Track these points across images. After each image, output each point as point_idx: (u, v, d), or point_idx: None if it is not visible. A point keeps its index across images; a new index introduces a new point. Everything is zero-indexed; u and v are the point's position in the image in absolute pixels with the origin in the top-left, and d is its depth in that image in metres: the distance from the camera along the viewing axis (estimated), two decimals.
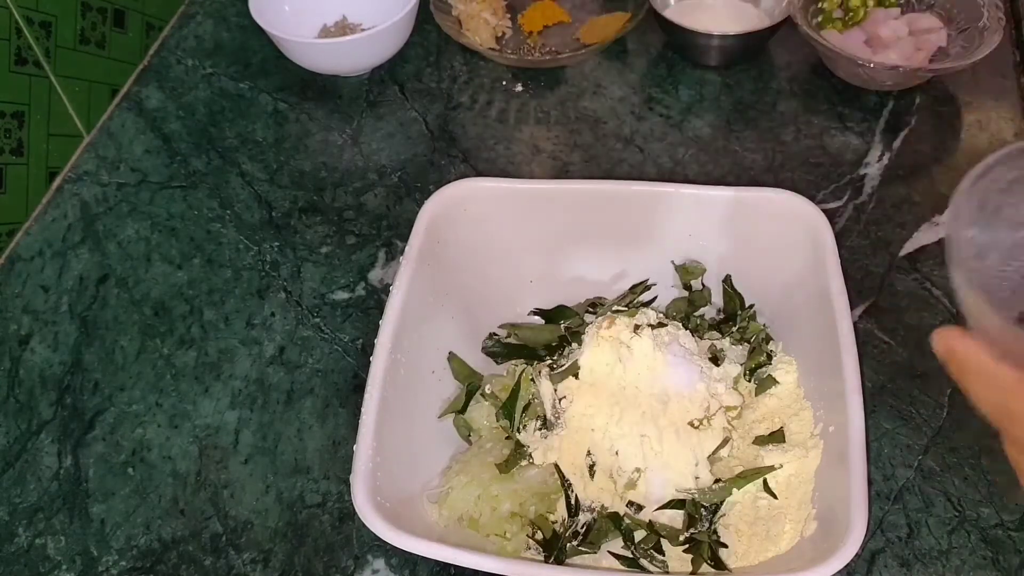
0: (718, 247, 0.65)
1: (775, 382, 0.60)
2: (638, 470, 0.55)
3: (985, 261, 0.39)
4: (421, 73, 0.89)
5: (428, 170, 0.80)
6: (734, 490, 0.56)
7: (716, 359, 0.60)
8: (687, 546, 0.55)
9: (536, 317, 0.67)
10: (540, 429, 0.58)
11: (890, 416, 0.63)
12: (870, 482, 0.51)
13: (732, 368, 0.60)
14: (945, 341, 0.37)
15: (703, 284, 0.66)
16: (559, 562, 0.55)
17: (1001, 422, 0.35)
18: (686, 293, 0.67)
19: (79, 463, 0.64)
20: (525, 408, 0.59)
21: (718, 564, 0.54)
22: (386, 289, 0.71)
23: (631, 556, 0.55)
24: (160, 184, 0.81)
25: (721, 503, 0.56)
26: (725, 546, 0.55)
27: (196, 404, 0.67)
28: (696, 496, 0.56)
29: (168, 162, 0.83)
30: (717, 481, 0.56)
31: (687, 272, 0.66)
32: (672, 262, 0.66)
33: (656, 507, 0.56)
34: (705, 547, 0.54)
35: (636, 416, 0.56)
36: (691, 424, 0.56)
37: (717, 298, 0.67)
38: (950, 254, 0.37)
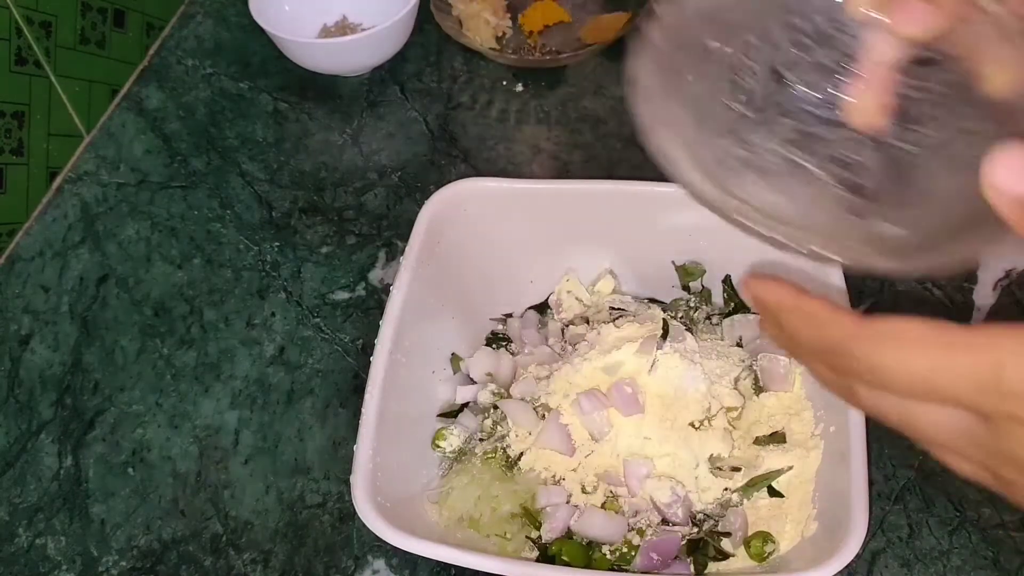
0: (718, 247, 0.65)
1: None
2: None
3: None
4: (421, 73, 0.89)
5: (428, 170, 0.80)
6: (736, 495, 0.56)
7: (716, 359, 0.60)
8: (688, 546, 0.55)
9: (530, 312, 0.67)
10: None
11: None
12: (871, 482, 0.51)
13: (732, 368, 0.60)
14: (756, 287, 0.35)
15: (702, 284, 0.66)
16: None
17: (821, 355, 0.32)
18: (686, 293, 0.67)
19: (79, 463, 0.64)
20: None
21: (718, 563, 0.54)
22: (386, 289, 0.71)
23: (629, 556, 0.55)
24: (160, 184, 0.81)
25: (727, 509, 0.56)
26: (726, 549, 0.55)
27: (196, 404, 0.67)
28: (705, 509, 0.56)
29: (168, 162, 0.83)
30: (725, 490, 0.56)
31: (687, 272, 0.66)
32: (672, 262, 0.66)
33: (656, 507, 0.56)
34: (709, 547, 0.54)
35: (638, 417, 0.56)
36: (691, 424, 0.56)
37: (717, 298, 0.67)
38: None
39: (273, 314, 0.71)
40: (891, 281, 0.70)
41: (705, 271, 0.66)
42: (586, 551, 0.54)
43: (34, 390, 0.68)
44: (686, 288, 0.67)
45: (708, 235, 0.64)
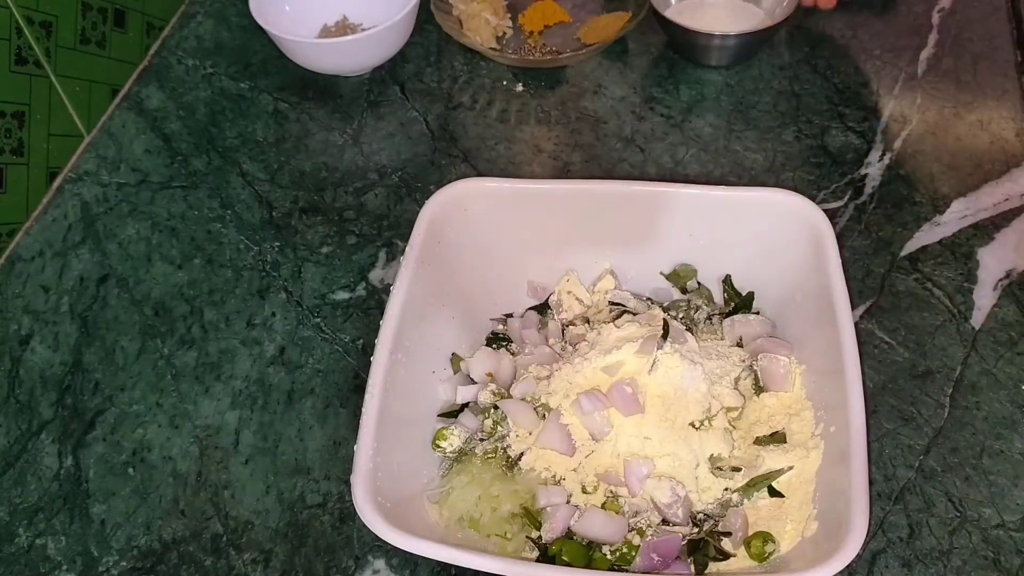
0: (718, 247, 0.65)
1: None
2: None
3: None
4: (422, 73, 0.89)
5: (429, 170, 0.80)
6: (736, 495, 0.56)
7: (717, 359, 0.60)
8: (688, 546, 0.55)
9: (531, 312, 0.67)
10: None
11: (891, 416, 0.63)
12: (871, 482, 0.51)
13: (732, 368, 0.60)
14: None
15: (699, 283, 0.66)
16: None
17: None
18: (684, 294, 0.67)
19: (79, 463, 0.64)
20: None
21: (719, 563, 0.54)
22: (387, 289, 0.71)
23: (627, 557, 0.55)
24: (160, 184, 0.81)
25: (727, 509, 0.56)
26: (726, 549, 0.55)
27: (197, 404, 0.67)
28: (705, 509, 0.56)
29: (168, 162, 0.83)
30: (725, 490, 0.56)
31: (678, 276, 0.66)
32: (661, 273, 0.66)
33: (656, 507, 0.56)
34: (709, 547, 0.54)
35: (638, 417, 0.56)
36: (691, 424, 0.56)
37: (717, 298, 0.67)
38: None
39: (273, 314, 0.71)
40: (890, 281, 0.70)
41: (696, 271, 0.66)
42: (586, 551, 0.54)
43: (34, 390, 0.68)
44: (683, 291, 0.67)
45: (708, 235, 0.65)
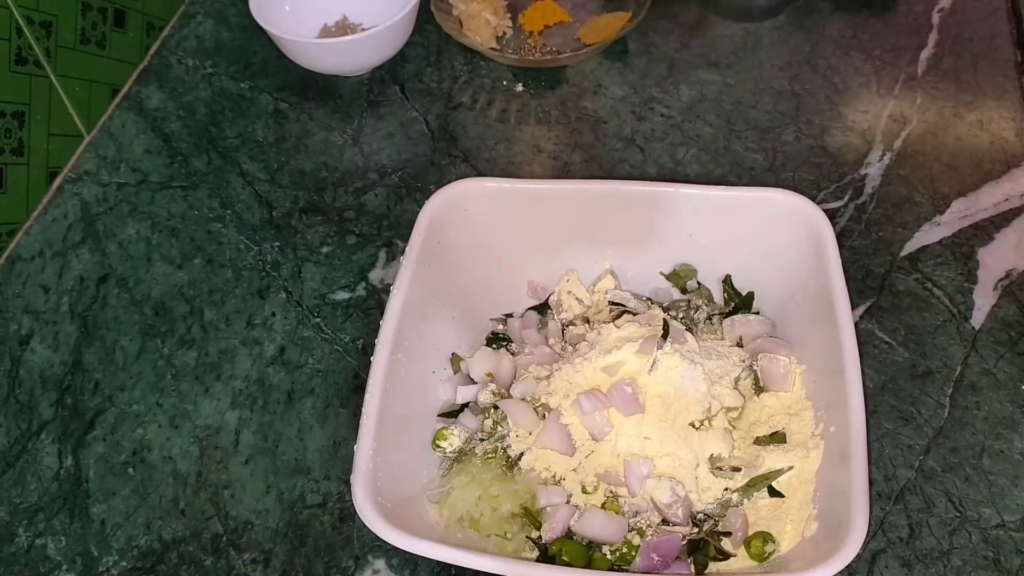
0: (718, 247, 0.65)
1: None
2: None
3: None
4: (422, 73, 0.89)
5: (429, 170, 0.80)
6: (736, 495, 0.56)
7: (716, 359, 0.60)
8: (688, 546, 0.55)
9: (531, 312, 0.67)
10: None
11: (891, 416, 0.63)
12: (871, 482, 0.51)
13: (732, 368, 0.60)
14: None
15: (698, 283, 0.66)
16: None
17: None
18: (684, 294, 0.67)
19: (79, 463, 0.64)
20: None
21: (719, 563, 0.54)
22: (387, 289, 0.71)
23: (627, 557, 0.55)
24: (160, 184, 0.81)
25: (727, 509, 0.56)
26: (726, 549, 0.55)
27: (197, 404, 0.67)
28: (705, 509, 0.56)
29: (168, 162, 0.83)
30: (725, 490, 0.56)
31: (678, 277, 0.66)
32: (661, 273, 0.66)
33: (656, 507, 0.56)
34: (709, 547, 0.54)
35: (638, 417, 0.56)
36: (691, 424, 0.56)
37: (717, 298, 0.67)
38: None
39: (273, 314, 0.71)
40: (890, 281, 0.70)
41: (696, 271, 0.66)
42: (586, 551, 0.54)
43: (34, 390, 0.68)
44: (683, 291, 0.67)
45: (708, 235, 0.65)
